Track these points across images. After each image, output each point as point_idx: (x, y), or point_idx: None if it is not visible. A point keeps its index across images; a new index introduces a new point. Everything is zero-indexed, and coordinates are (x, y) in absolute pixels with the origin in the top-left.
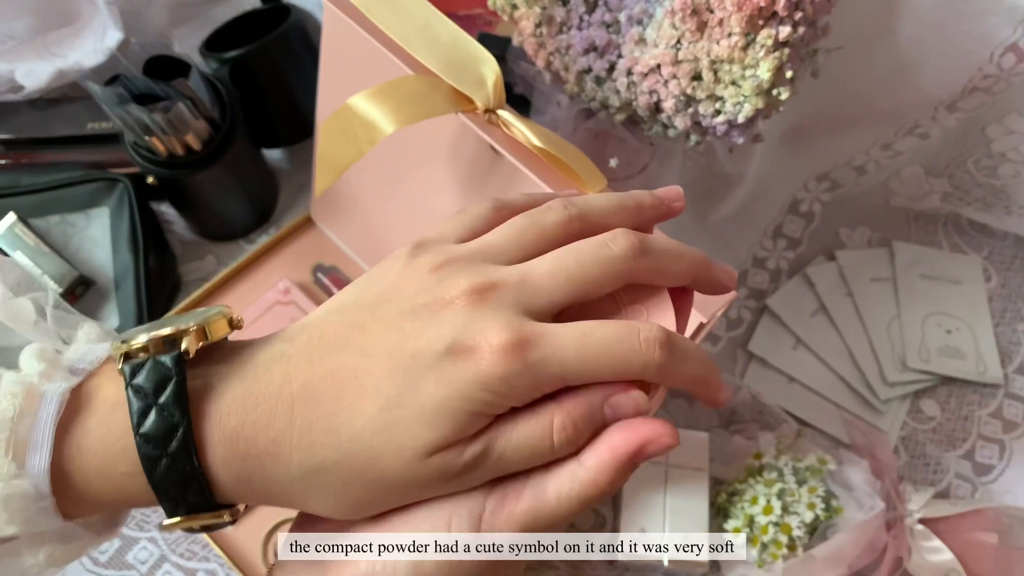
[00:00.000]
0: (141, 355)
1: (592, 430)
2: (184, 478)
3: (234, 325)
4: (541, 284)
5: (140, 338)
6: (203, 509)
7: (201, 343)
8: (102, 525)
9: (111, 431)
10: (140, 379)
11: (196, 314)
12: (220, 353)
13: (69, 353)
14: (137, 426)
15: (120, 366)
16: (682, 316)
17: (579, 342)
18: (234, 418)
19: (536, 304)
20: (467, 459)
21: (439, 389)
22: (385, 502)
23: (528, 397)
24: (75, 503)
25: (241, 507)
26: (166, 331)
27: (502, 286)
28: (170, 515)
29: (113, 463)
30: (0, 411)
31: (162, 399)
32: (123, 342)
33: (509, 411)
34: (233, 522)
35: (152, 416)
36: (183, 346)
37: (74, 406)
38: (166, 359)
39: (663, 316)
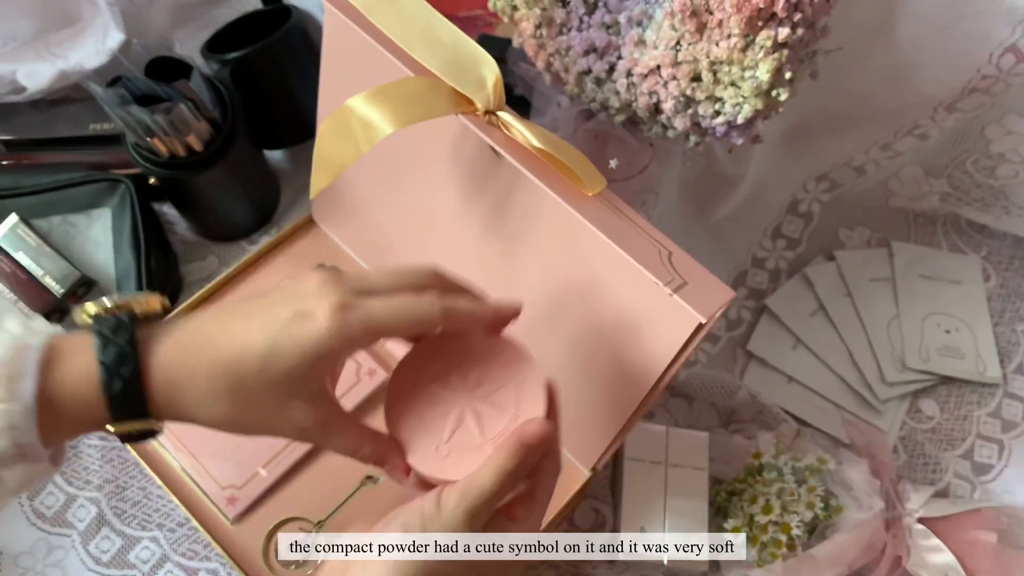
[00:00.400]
0: (103, 315)
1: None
2: (130, 392)
3: (164, 307)
4: (371, 277)
5: (94, 306)
6: (140, 416)
7: (143, 309)
8: (55, 457)
9: (80, 364)
10: (104, 327)
11: (134, 293)
12: (159, 321)
13: (43, 326)
14: (101, 357)
15: (89, 319)
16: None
17: (385, 303)
18: (165, 356)
19: (365, 289)
20: (315, 410)
21: (292, 342)
22: (258, 424)
23: (358, 343)
24: (52, 427)
25: (163, 424)
26: (119, 300)
27: (343, 276)
28: (115, 420)
29: (81, 386)
30: None
31: (119, 339)
32: (84, 310)
33: (345, 417)
34: (157, 432)
35: (111, 349)
36: (134, 308)
37: (51, 353)
38: (123, 315)
39: (535, 404)
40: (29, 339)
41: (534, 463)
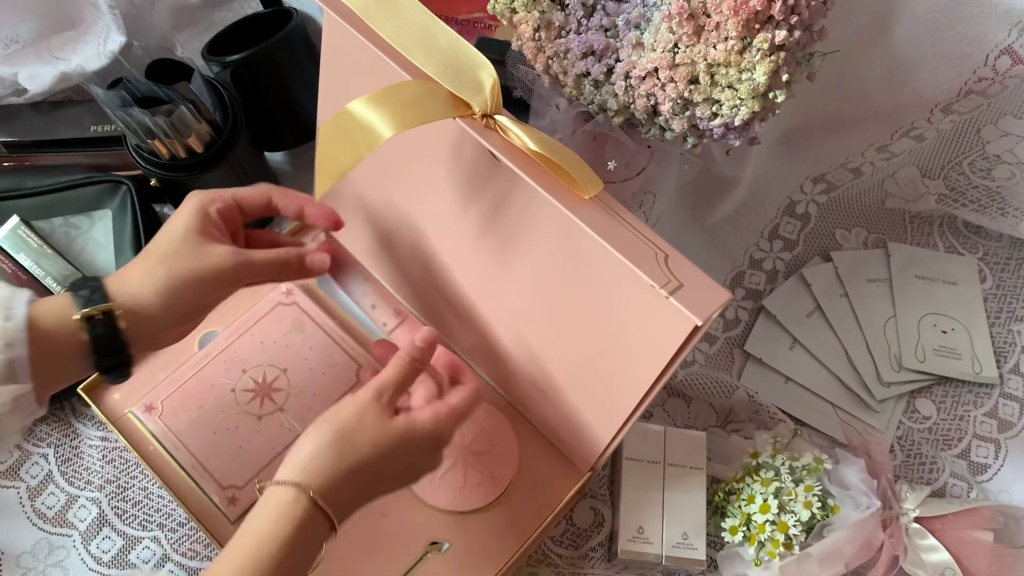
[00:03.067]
0: (76, 287)
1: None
2: (110, 338)
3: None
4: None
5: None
6: (117, 351)
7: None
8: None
9: (64, 310)
10: (82, 292)
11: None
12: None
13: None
14: (82, 308)
15: (66, 290)
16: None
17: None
18: (123, 298)
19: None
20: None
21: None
22: (199, 292)
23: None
24: (39, 360)
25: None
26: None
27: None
28: (101, 359)
29: (65, 326)
30: None
31: (94, 295)
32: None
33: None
34: (130, 362)
35: (89, 307)
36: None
37: (36, 302)
38: (92, 282)
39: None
40: (18, 294)
41: (427, 360)
